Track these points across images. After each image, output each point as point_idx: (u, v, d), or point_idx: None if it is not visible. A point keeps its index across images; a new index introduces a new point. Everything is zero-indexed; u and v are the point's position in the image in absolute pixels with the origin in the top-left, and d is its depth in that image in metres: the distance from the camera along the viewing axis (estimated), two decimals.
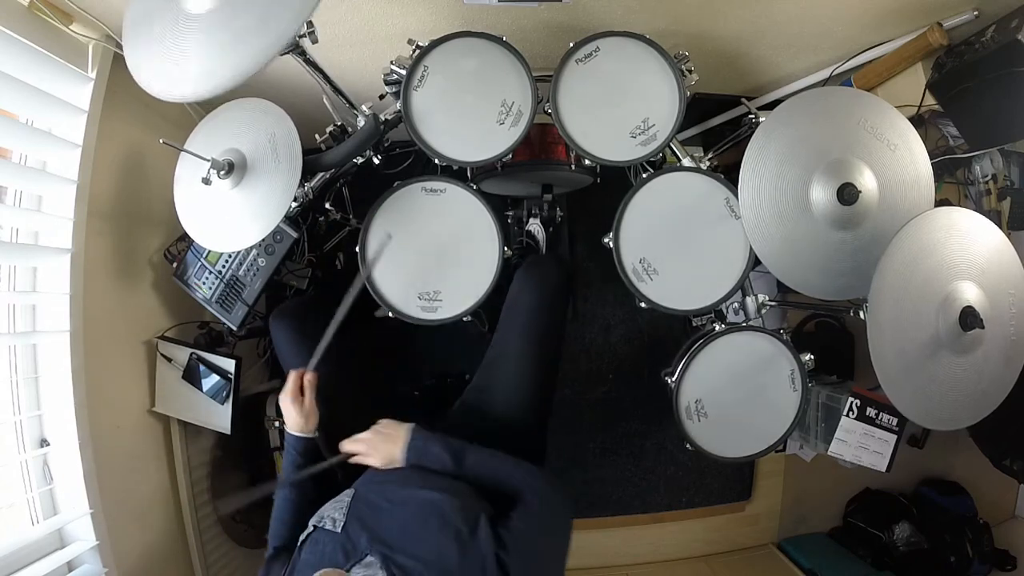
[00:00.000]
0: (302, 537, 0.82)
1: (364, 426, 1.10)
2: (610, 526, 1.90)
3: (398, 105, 1.09)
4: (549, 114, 1.10)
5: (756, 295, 1.20)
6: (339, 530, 0.79)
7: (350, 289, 1.02)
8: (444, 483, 0.87)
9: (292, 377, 1.00)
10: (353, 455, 0.95)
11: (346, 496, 0.86)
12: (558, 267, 1.17)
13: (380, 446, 0.94)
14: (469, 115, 1.10)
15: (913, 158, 1.07)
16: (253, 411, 1.56)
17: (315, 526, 0.82)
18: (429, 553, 0.74)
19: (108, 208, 1.28)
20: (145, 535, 1.29)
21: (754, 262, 1.11)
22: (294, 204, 1.15)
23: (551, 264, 1.19)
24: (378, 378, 1.01)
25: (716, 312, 1.19)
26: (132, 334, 1.37)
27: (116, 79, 1.21)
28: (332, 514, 0.82)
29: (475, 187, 1.14)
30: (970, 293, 0.99)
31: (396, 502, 0.82)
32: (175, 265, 1.41)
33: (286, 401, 0.99)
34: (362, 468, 0.95)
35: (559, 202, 1.54)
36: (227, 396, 1.38)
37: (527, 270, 1.16)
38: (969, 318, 0.95)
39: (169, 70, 0.90)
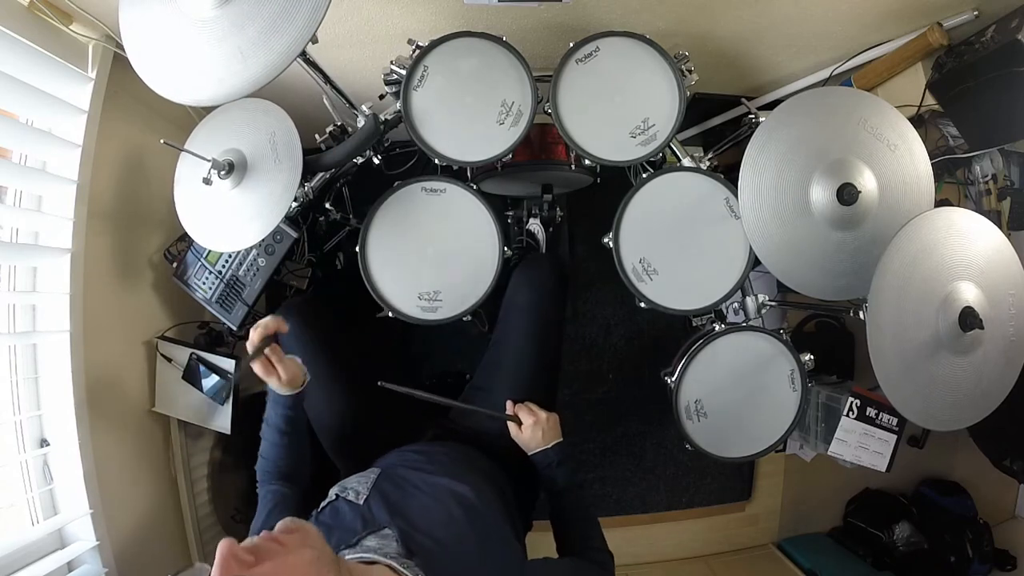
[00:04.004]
0: (323, 504, 0.82)
1: (364, 424, 1.10)
2: (610, 526, 1.85)
3: (398, 105, 1.09)
4: (549, 114, 1.10)
5: (756, 295, 1.20)
6: (361, 502, 0.79)
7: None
8: (474, 477, 0.88)
9: (256, 360, 0.90)
10: (512, 417, 1.04)
11: (372, 473, 0.87)
12: (552, 266, 1.17)
13: (540, 429, 1.02)
14: (469, 115, 1.10)
15: (913, 158, 1.07)
16: (253, 411, 1.55)
17: (337, 495, 0.82)
18: (449, 538, 0.73)
19: (108, 208, 1.28)
20: (145, 535, 1.29)
21: (754, 262, 1.11)
22: (294, 204, 1.15)
23: (545, 263, 1.20)
24: (377, 378, 1.01)
25: (716, 312, 1.19)
26: (132, 334, 1.37)
27: (116, 79, 1.21)
28: (356, 487, 0.82)
29: (475, 187, 1.14)
30: (970, 293, 0.99)
31: (423, 487, 0.83)
32: (175, 265, 1.41)
33: (261, 374, 0.90)
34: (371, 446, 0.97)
35: (559, 202, 1.54)
36: (227, 396, 1.38)
37: (522, 270, 1.16)
38: (969, 319, 0.95)
39: (181, 74, 0.92)
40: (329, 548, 0.56)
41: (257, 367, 0.89)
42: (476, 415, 1.10)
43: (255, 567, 0.48)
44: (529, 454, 1.04)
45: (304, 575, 0.51)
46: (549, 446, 1.03)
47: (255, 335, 0.89)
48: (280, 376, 0.91)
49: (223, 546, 0.48)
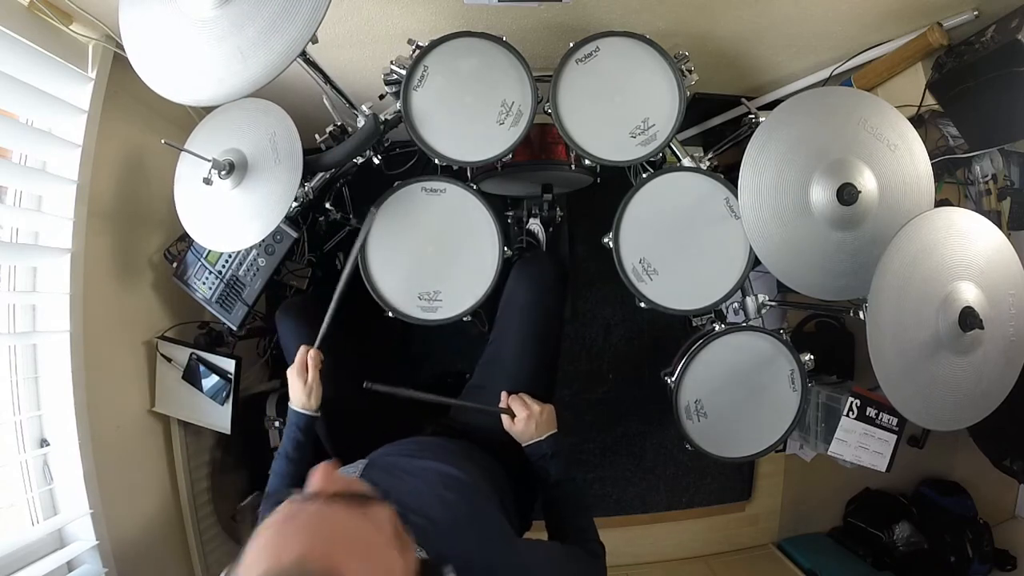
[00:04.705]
0: None
1: (362, 424, 1.10)
2: (610, 526, 1.89)
3: (398, 105, 1.09)
4: (549, 114, 1.10)
5: (756, 295, 1.20)
6: None
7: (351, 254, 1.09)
8: (466, 464, 0.88)
9: (300, 351, 1.04)
10: (507, 410, 1.03)
11: (360, 463, 0.87)
12: (551, 264, 1.17)
13: (534, 421, 1.02)
14: (469, 115, 1.10)
15: (913, 158, 1.07)
16: (253, 411, 1.56)
17: None
18: (442, 516, 0.74)
19: (108, 208, 1.28)
20: (145, 535, 1.29)
21: (754, 262, 1.11)
22: (294, 204, 1.15)
23: (545, 261, 1.19)
24: (377, 378, 1.02)
25: (716, 312, 1.19)
26: (132, 334, 1.37)
27: (116, 79, 1.21)
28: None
29: (475, 187, 1.14)
30: (970, 293, 0.99)
31: (412, 471, 0.83)
32: (175, 265, 1.41)
33: (293, 374, 1.04)
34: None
35: (559, 202, 1.53)
36: (227, 396, 1.38)
37: (521, 268, 1.16)
38: (969, 318, 0.95)
39: (181, 74, 0.92)
40: None
41: (298, 359, 1.03)
42: (474, 412, 1.10)
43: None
44: (523, 446, 1.03)
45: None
46: (542, 438, 1.02)
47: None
48: (308, 379, 1.02)
49: (323, 466, 0.56)
